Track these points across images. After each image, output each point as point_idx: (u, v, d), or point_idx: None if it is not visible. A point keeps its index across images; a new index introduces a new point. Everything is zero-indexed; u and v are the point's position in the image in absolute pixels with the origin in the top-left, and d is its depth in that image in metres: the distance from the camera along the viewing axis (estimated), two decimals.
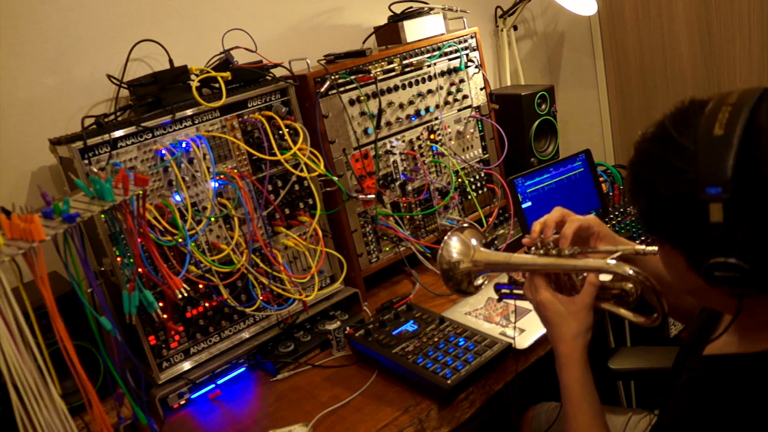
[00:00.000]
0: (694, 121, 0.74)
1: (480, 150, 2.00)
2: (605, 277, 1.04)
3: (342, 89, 1.65)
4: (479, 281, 1.20)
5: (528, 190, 1.82)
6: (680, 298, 1.09)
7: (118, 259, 1.30)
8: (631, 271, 0.98)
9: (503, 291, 1.20)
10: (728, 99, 0.73)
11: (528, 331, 1.41)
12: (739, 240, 0.69)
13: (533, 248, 1.11)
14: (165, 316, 1.35)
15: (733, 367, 0.83)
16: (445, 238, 1.17)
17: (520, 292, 1.13)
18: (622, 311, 1.04)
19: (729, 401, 0.79)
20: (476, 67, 1.95)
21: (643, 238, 1.76)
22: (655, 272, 0.99)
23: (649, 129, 0.80)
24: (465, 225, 1.21)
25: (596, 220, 1.12)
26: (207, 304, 1.47)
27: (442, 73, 1.88)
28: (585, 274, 1.05)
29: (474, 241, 1.18)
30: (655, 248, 0.85)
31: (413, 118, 1.82)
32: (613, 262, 1.00)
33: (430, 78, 1.85)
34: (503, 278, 1.22)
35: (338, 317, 1.63)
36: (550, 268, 1.07)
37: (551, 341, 1.05)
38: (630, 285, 1.03)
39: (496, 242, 1.88)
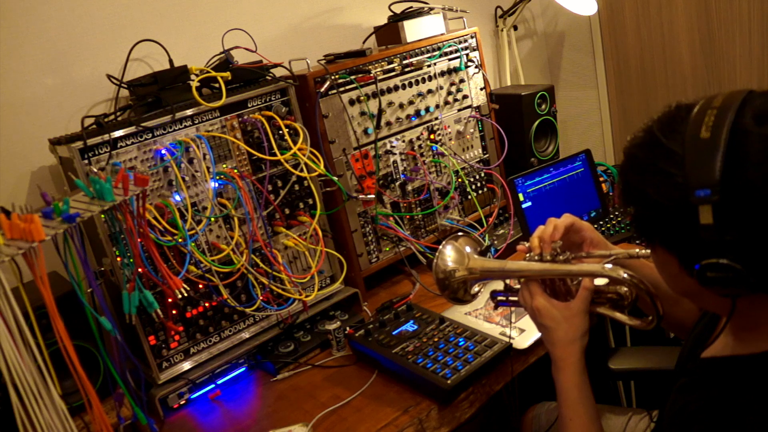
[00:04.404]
0: (681, 125, 0.75)
1: (480, 150, 2.00)
2: (600, 282, 1.05)
3: (342, 89, 1.65)
4: (475, 289, 1.20)
5: (528, 190, 1.82)
6: (674, 308, 1.11)
7: (118, 259, 1.30)
8: (625, 275, 0.98)
9: (499, 298, 1.21)
10: (713, 102, 0.74)
11: (528, 331, 1.41)
12: (730, 240, 0.70)
13: (528, 254, 1.12)
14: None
15: (725, 370, 0.84)
16: (440, 247, 1.18)
17: (516, 298, 1.14)
18: (617, 315, 1.04)
19: (719, 407, 0.79)
20: (476, 67, 1.95)
21: (638, 241, 1.76)
22: (650, 279, 1.00)
23: (638, 134, 0.81)
24: (460, 234, 1.21)
25: (589, 226, 1.14)
26: (207, 304, 1.47)
27: (442, 73, 1.88)
28: (580, 279, 1.05)
29: (468, 249, 1.18)
30: (648, 252, 0.86)
31: (413, 118, 1.82)
32: (608, 266, 1.00)
33: (430, 78, 1.85)
34: (500, 285, 1.23)
35: (338, 317, 1.63)
36: (545, 274, 1.08)
37: (547, 346, 1.05)
38: (624, 289, 1.04)
39: (495, 243, 1.88)
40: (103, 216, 1.20)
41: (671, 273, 0.82)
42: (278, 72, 1.61)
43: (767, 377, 0.77)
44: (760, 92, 0.75)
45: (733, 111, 0.71)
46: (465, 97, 1.94)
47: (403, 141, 1.81)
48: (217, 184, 1.45)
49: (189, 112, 1.41)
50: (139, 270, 1.21)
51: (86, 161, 1.28)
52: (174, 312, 1.41)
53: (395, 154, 1.79)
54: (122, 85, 1.56)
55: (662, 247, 0.81)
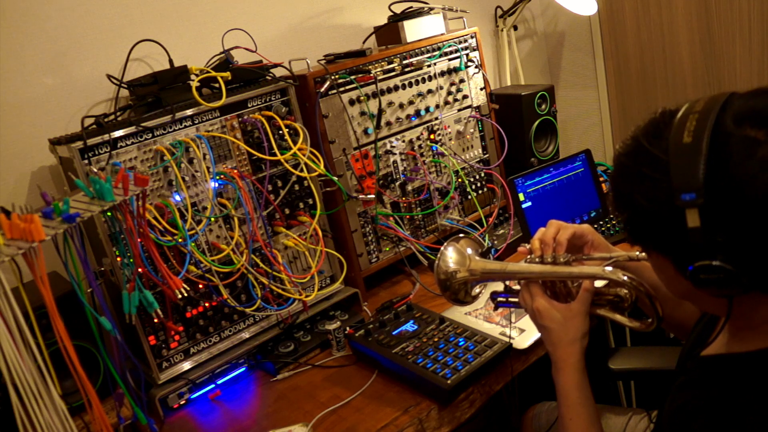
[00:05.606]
0: (665, 131, 0.76)
1: (480, 150, 2.00)
2: (600, 284, 1.05)
3: (342, 89, 1.65)
4: (476, 290, 1.21)
5: (528, 190, 1.82)
6: (676, 310, 1.11)
7: (118, 259, 1.30)
8: (625, 277, 0.99)
9: (499, 299, 1.22)
10: (695, 107, 0.75)
11: (528, 331, 1.41)
12: (720, 242, 0.71)
13: (529, 256, 1.12)
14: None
15: (722, 367, 0.85)
16: (442, 248, 1.18)
17: (516, 300, 1.14)
18: (618, 317, 1.05)
19: (717, 405, 0.79)
20: (476, 67, 1.95)
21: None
22: (650, 281, 1.01)
23: (626, 141, 0.82)
24: (461, 235, 1.22)
25: (590, 229, 1.14)
26: (207, 304, 1.47)
27: (442, 73, 1.88)
28: (580, 281, 1.06)
29: (470, 251, 1.19)
30: (645, 255, 0.87)
31: (413, 118, 1.82)
32: (609, 268, 1.01)
33: (430, 78, 1.85)
34: (500, 286, 1.23)
35: (338, 317, 1.63)
36: (546, 276, 1.08)
37: (548, 347, 1.06)
38: (624, 291, 1.04)
39: (495, 243, 1.88)
40: (102, 216, 1.20)
41: (668, 276, 0.83)
42: (278, 72, 1.61)
43: (764, 374, 0.78)
44: (741, 93, 0.75)
45: (714, 114, 0.72)
46: (465, 97, 1.94)
47: (403, 141, 1.81)
48: (217, 184, 1.45)
49: (189, 112, 1.41)
50: (139, 270, 1.21)
51: (86, 161, 1.28)
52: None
53: (395, 154, 1.79)
54: (122, 85, 1.56)
55: (656, 252, 0.82)
